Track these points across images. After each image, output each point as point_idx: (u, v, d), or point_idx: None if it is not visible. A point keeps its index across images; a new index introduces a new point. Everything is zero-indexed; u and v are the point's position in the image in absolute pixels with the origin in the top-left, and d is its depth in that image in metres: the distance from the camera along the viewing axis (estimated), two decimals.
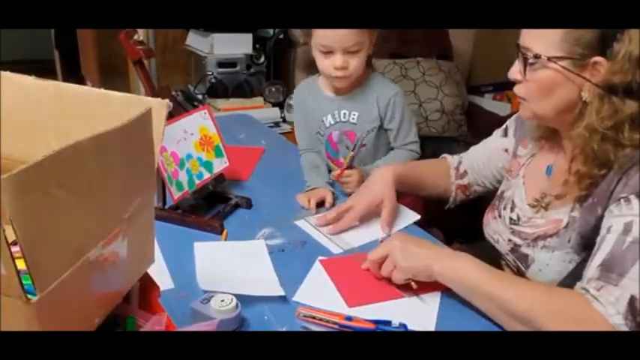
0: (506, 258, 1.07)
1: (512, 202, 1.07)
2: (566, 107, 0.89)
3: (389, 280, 0.95)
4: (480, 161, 1.24)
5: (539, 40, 0.87)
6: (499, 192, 1.16)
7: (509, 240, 1.05)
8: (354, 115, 1.35)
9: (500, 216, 1.10)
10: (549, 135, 1.03)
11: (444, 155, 1.33)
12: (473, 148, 1.28)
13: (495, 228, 1.11)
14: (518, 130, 1.15)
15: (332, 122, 1.38)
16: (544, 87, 0.89)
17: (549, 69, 0.87)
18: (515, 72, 0.93)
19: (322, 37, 1.23)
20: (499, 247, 1.09)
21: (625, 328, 0.76)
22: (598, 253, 0.82)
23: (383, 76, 1.41)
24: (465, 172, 1.26)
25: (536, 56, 0.87)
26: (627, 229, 0.79)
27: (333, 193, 1.27)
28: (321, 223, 1.15)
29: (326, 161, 1.44)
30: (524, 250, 1.00)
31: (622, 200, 0.82)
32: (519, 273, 1.02)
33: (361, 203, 1.15)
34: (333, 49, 1.24)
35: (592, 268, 0.82)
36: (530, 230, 1.00)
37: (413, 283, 0.92)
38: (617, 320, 0.76)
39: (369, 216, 1.16)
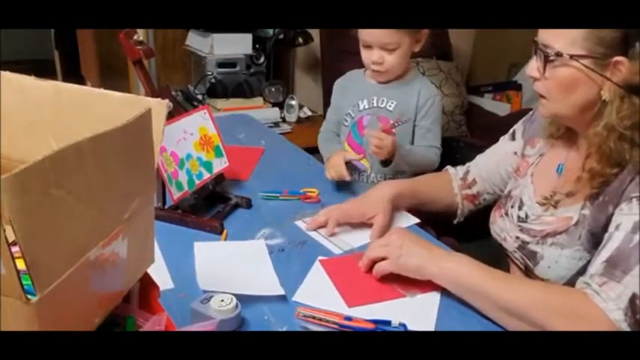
0: (514, 255, 1.07)
1: (520, 200, 1.07)
2: (585, 106, 0.89)
3: (388, 280, 0.95)
4: (489, 168, 1.23)
5: (560, 38, 0.87)
6: (506, 191, 1.15)
7: (517, 237, 1.05)
8: (391, 103, 1.38)
9: (507, 214, 1.10)
10: (562, 133, 1.03)
11: (447, 168, 1.32)
12: (480, 157, 1.27)
13: (502, 226, 1.11)
14: (527, 132, 1.15)
15: (366, 106, 1.41)
16: (564, 85, 0.89)
17: (570, 67, 0.87)
18: (533, 69, 0.93)
19: (362, 32, 1.30)
20: (506, 244, 1.09)
21: (624, 324, 0.76)
22: (604, 249, 0.83)
23: (425, 77, 1.46)
24: (474, 180, 1.25)
25: (558, 54, 0.87)
26: (636, 227, 0.80)
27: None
28: (313, 227, 1.14)
29: (343, 145, 1.47)
30: (533, 247, 1.00)
31: (634, 199, 0.82)
32: (527, 270, 1.02)
33: (354, 210, 1.14)
34: (372, 44, 1.30)
35: (597, 264, 0.82)
36: (539, 227, 1.00)
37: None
38: (617, 316, 0.77)
39: (361, 226, 1.15)
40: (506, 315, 0.84)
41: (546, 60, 0.88)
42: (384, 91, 1.39)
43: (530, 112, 1.18)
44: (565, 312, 0.81)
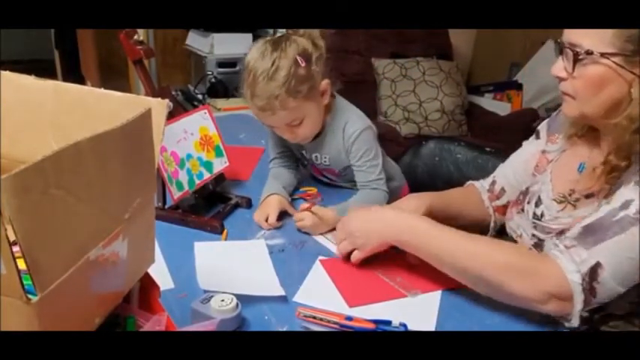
0: None
1: (539, 197, 1.05)
2: (613, 104, 0.88)
3: (388, 280, 0.95)
4: (516, 174, 1.18)
5: (588, 37, 0.86)
6: (524, 187, 1.13)
7: (533, 235, 1.04)
8: (325, 157, 1.29)
9: (523, 210, 1.08)
10: (584, 132, 1.02)
11: (470, 182, 1.26)
12: (504, 166, 1.22)
13: (519, 222, 1.09)
14: (550, 128, 1.13)
15: (311, 158, 1.32)
16: (594, 83, 0.88)
17: (600, 65, 0.86)
18: (559, 69, 0.91)
19: (259, 117, 1.16)
20: (521, 241, 1.07)
21: (579, 288, 0.81)
22: (588, 217, 0.86)
23: (350, 105, 1.29)
24: (503, 190, 1.19)
25: (588, 52, 0.86)
26: (625, 205, 0.82)
27: (287, 198, 1.22)
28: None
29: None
30: (549, 244, 0.99)
31: (633, 183, 0.84)
32: None
33: None
34: (276, 126, 1.19)
35: (575, 229, 0.86)
36: (554, 225, 0.99)
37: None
38: (575, 278, 0.81)
39: None
40: (464, 277, 0.89)
41: (576, 59, 0.87)
42: (315, 147, 1.28)
43: (556, 112, 1.14)
44: (523, 272, 0.85)
